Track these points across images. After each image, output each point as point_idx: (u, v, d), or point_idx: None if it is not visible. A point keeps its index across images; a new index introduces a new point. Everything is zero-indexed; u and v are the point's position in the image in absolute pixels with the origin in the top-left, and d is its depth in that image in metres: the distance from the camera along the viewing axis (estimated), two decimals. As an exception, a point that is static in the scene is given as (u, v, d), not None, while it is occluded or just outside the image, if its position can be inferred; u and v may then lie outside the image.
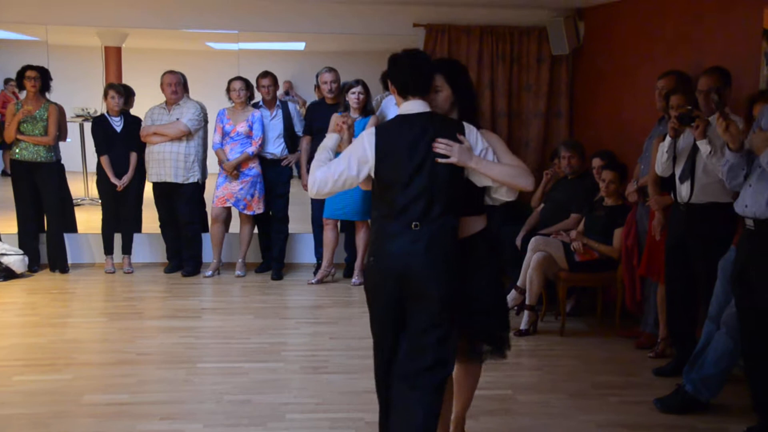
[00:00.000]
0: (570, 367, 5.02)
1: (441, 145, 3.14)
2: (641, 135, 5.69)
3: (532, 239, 5.87)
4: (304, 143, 7.16)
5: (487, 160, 3.22)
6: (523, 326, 5.68)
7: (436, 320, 3.16)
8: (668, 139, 4.64)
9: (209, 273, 7.25)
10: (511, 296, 5.82)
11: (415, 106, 3.24)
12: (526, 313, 5.70)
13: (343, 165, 3.24)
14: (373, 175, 3.25)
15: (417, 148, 3.16)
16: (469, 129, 3.25)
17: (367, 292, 3.35)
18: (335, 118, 3.74)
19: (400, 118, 3.26)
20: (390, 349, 3.29)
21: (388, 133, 3.23)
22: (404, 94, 3.26)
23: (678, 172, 4.68)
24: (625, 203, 5.71)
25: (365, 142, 3.24)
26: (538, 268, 5.66)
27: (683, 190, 4.63)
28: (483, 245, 3.39)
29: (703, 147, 4.23)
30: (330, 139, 3.49)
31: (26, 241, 7.27)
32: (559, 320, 5.79)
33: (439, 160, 3.14)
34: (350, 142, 3.48)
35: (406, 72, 3.24)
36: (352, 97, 6.64)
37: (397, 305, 3.24)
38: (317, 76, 7.11)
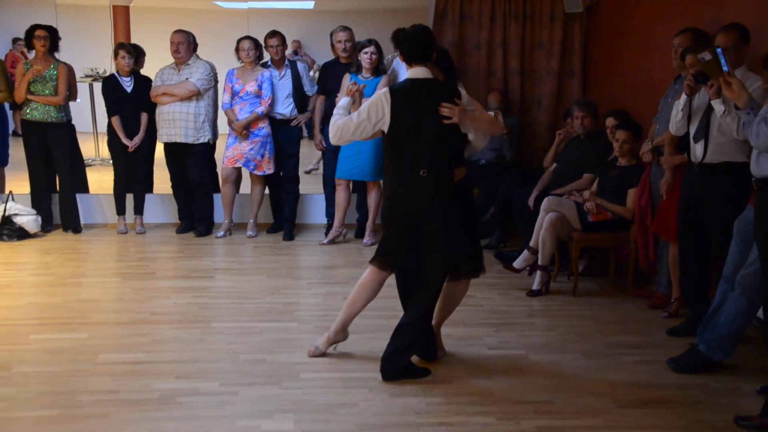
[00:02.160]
0: (583, 327, 5.03)
1: (446, 109, 3.91)
2: (657, 94, 5.63)
3: (545, 199, 5.84)
4: (318, 102, 7.11)
5: (475, 117, 4.04)
6: (535, 286, 5.68)
7: (437, 247, 4.00)
8: (684, 97, 4.58)
9: (221, 233, 7.26)
10: (524, 257, 5.81)
11: (419, 72, 3.99)
12: (538, 273, 5.70)
13: (363, 118, 4.00)
14: (386, 129, 4.01)
15: (424, 108, 3.93)
16: (463, 94, 4.06)
17: (383, 225, 4.28)
18: (346, 83, 4.41)
19: (410, 82, 4.01)
20: (403, 266, 4.16)
21: (401, 95, 3.98)
22: (409, 61, 4.02)
23: (692, 131, 4.63)
24: (639, 163, 5.67)
25: (383, 102, 3.96)
26: (550, 229, 5.64)
27: (697, 150, 4.58)
28: (462, 191, 4.14)
29: (718, 106, 4.17)
30: (344, 101, 4.25)
31: (39, 201, 7.29)
32: (572, 280, 5.79)
33: (446, 121, 3.92)
34: (360, 104, 4.21)
35: (410, 43, 4.00)
36: (365, 57, 6.58)
37: (407, 236, 4.06)
38: (331, 35, 7.03)
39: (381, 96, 3.99)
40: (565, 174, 6.33)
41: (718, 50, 3.99)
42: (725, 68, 3.95)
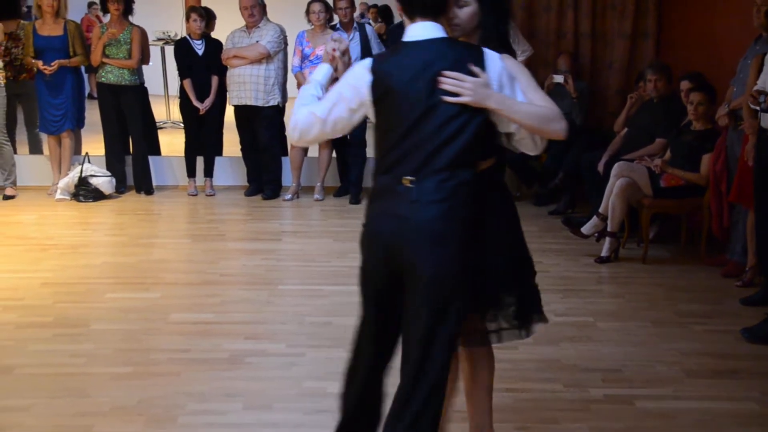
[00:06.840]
0: (652, 295, 4.95)
1: (449, 81, 2.38)
2: (735, 55, 5.43)
3: (616, 165, 5.72)
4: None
5: (512, 99, 2.46)
6: (604, 253, 5.59)
7: (427, 314, 2.47)
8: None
9: (288, 196, 7.33)
10: (593, 223, 5.72)
11: (424, 29, 2.47)
12: (607, 239, 5.61)
13: (330, 104, 2.52)
14: (373, 118, 2.52)
15: (420, 84, 2.41)
16: (491, 57, 2.47)
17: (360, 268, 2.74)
18: (328, 44, 2.74)
19: (404, 46, 2.49)
20: (372, 353, 2.79)
21: (388, 65, 2.48)
22: (411, 13, 2.49)
23: (762, 97, 4.45)
24: (715, 127, 5.50)
25: (358, 77, 2.49)
26: (621, 194, 5.53)
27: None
28: (493, 192, 2.67)
29: None
30: (320, 71, 2.69)
31: (113, 162, 7.46)
32: (642, 247, 5.68)
33: (447, 99, 2.38)
34: (344, 71, 2.64)
35: None
36: None
37: (384, 287, 2.63)
38: (398, -2, 6.96)
39: (356, 68, 2.53)
40: (636, 139, 6.18)
41: None
42: None
